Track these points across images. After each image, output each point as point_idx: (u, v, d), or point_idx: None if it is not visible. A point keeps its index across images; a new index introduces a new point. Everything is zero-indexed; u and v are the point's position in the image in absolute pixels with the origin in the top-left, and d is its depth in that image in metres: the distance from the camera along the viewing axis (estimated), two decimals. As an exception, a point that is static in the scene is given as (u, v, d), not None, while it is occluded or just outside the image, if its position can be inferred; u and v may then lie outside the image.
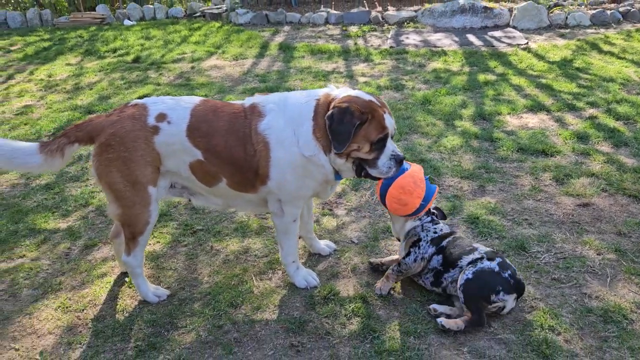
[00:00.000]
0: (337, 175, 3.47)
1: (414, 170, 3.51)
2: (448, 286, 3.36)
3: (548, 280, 3.58)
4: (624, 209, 4.42)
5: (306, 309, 3.46)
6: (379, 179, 3.42)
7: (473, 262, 3.28)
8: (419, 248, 3.49)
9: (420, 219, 3.70)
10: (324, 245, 4.08)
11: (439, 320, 3.09)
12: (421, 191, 3.46)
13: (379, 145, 3.28)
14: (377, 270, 3.77)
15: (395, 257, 3.81)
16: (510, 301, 3.21)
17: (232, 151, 3.27)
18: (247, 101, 3.45)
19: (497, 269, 3.22)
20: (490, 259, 3.29)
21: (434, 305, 3.25)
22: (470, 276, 3.17)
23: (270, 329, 3.31)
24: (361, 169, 3.38)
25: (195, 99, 3.46)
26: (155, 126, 3.25)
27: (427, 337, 3.15)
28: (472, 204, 4.59)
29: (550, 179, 4.96)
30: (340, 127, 3.14)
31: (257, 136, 3.26)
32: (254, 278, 3.82)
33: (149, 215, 3.38)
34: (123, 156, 3.21)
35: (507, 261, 3.34)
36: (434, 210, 3.79)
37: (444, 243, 3.49)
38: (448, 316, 3.20)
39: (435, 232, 3.58)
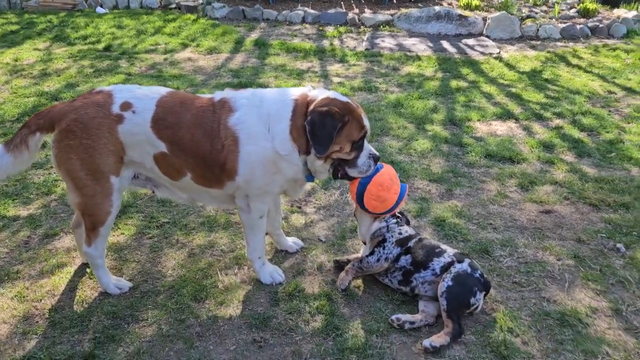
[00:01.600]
0: (309, 176, 3.48)
1: (387, 168, 3.56)
2: (418, 286, 3.39)
3: (509, 284, 3.65)
4: (584, 217, 4.54)
5: (270, 305, 3.45)
6: (354, 179, 3.44)
7: (446, 267, 3.32)
8: (383, 248, 3.52)
9: (386, 221, 3.74)
10: (291, 242, 4.07)
11: (426, 343, 3.04)
12: (397, 187, 3.53)
13: (358, 144, 3.33)
14: (343, 268, 3.78)
15: (361, 255, 3.83)
16: (481, 299, 3.27)
17: (198, 145, 3.23)
18: (217, 95, 3.41)
19: (469, 269, 3.28)
20: (460, 261, 3.34)
21: (396, 316, 3.26)
22: (450, 283, 3.21)
23: (233, 324, 3.29)
24: (337, 170, 3.43)
25: (163, 90, 3.40)
26: (119, 115, 3.18)
27: (389, 336, 3.17)
28: (439, 207, 4.65)
29: (515, 186, 5.06)
30: (323, 131, 3.15)
31: (226, 131, 3.23)
32: (219, 273, 3.79)
33: (111, 206, 3.32)
34: (85, 143, 3.14)
35: (473, 261, 3.42)
36: (399, 215, 3.83)
37: (411, 244, 3.53)
38: (411, 323, 3.22)
39: (400, 233, 3.62)
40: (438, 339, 3.05)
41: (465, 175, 5.26)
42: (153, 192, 3.56)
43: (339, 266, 3.81)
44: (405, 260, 3.46)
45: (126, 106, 3.22)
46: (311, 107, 3.23)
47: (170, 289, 3.61)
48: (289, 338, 3.16)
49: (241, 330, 3.23)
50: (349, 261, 3.78)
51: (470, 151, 5.75)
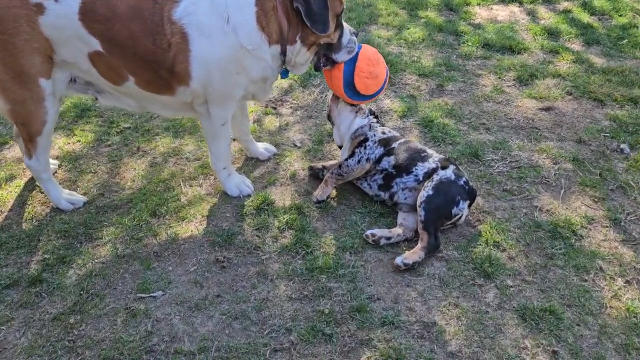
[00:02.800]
0: (284, 72, 3.04)
1: (365, 45, 3.20)
2: (398, 193, 3.07)
3: (499, 192, 3.32)
4: (587, 114, 4.12)
5: (236, 220, 3.15)
6: (337, 65, 3.06)
7: (430, 174, 2.99)
8: (365, 148, 3.16)
9: (368, 117, 3.35)
10: (263, 148, 3.69)
11: (398, 261, 2.77)
12: (383, 60, 3.21)
13: (339, 21, 2.97)
14: (318, 177, 3.44)
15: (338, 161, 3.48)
16: (465, 209, 2.97)
17: (137, 43, 2.73)
18: (159, -19, 2.85)
19: (453, 177, 2.96)
20: (444, 167, 3.01)
21: (371, 231, 2.95)
22: (430, 192, 2.89)
23: (194, 242, 3.01)
24: (319, 60, 3.09)
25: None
26: (39, 4, 2.65)
27: (363, 253, 2.90)
28: (428, 105, 4.21)
29: (513, 79, 4.58)
30: (319, 4, 2.75)
31: (172, 26, 2.72)
32: (182, 184, 3.45)
33: (45, 113, 2.90)
34: (2, 40, 2.64)
35: (459, 167, 3.08)
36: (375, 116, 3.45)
37: (394, 145, 3.17)
38: (388, 239, 2.94)
39: (384, 133, 3.25)
40: (411, 255, 2.78)
41: (459, 68, 4.75)
42: (96, 98, 3.11)
43: (314, 174, 3.47)
44: (387, 162, 3.12)
45: (47, -7, 2.69)
46: None
47: (128, 203, 3.30)
48: (255, 257, 2.90)
49: (203, 249, 2.96)
50: (324, 168, 3.43)
51: (466, 41, 5.18)
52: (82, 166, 3.65)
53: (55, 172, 3.55)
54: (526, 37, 5.31)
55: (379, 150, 3.16)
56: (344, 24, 3.01)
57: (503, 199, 3.26)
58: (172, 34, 2.74)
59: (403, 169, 3.08)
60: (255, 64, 2.88)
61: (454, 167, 3.05)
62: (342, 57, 3.02)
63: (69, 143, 3.90)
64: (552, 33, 5.37)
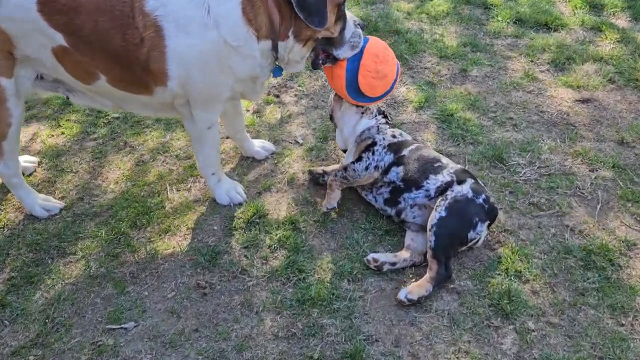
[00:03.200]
0: (277, 70, 2.64)
1: (373, 38, 2.75)
2: (406, 209, 2.68)
3: (525, 205, 2.90)
4: (631, 108, 3.60)
5: (224, 234, 2.82)
6: (338, 62, 2.64)
7: (443, 190, 2.58)
8: (372, 154, 2.75)
9: (375, 118, 2.94)
10: (259, 147, 3.32)
11: (401, 296, 2.40)
12: (393, 56, 2.76)
13: (342, 11, 2.52)
14: (318, 182, 3.07)
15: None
16: (484, 231, 2.57)
17: (105, 37, 2.35)
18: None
19: (470, 194, 2.54)
20: (460, 182, 2.59)
21: (373, 255, 2.58)
22: (443, 213, 2.49)
23: (175, 261, 2.69)
24: (318, 56, 2.65)
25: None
26: None
27: (363, 281, 2.54)
28: (448, 95, 3.74)
29: (548, 63, 4.05)
30: None
31: (145, 18, 2.33)
32: (168, 188, 3.12)
33: (9, 115, 2.59)
34: None
35: (479, 181, 2.66)
36: (385, 114, 3.03)
37: (405, 152, 2.75)
38: (392, 264, 2.56)
39: (394, 136, 2.84)
40: (417, 289, 2.41)
41: (487, 49, 4.23)
42: (67, 97, 2.76)
43: (313, 178, 3.09)
44: (395, 173, 2.71)
45: (-1, -19, 2.31)
46: None
47: (108, 210, 3.00)
48: (240, 282, 2.57)
49: (184, 271, 2.64)
50: (325, 173, 3.05)
51: (496, 15, 4.62)
52: (63, 164, 3.34)
53: (34, 171, 3.26)
54: (564, 11, 4.71)
55: (389, 157, 2.76)
56: (348, 14, 2.57)
57: (529, 215, 2.84)
58: (145, 28, 2.35)
59: (413, 182, 2.68)
60: (242, 62, 2.48)
61: (472, 180, 2.64)
62: (344, 53, 2.59)
63: (52, 135, 3.59)
64: (594, 6, 4.75)
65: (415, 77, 3.96)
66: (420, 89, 3.82)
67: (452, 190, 2.58)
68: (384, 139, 2.83)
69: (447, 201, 2.53)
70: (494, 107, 3.63)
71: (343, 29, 2.53)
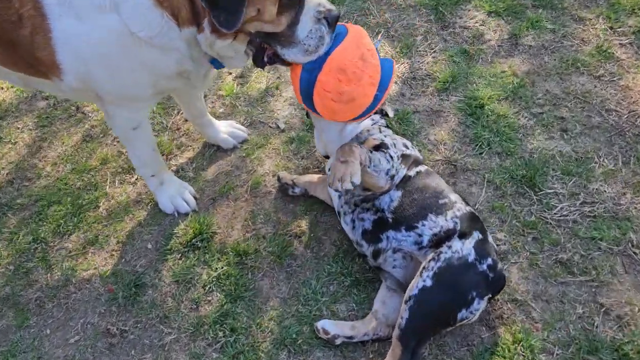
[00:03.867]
0: (216, 62, 1.92)
1: (355, 33, 1.87)
2: (387, 253, 2.01)
3: (549, 262, 2.14)
4: None
5: (157, 257, 2.28)
6: (291, 64, 1.86)
7: (439, 240, 1.90)
8: (391, 158, 2.01)
9: (371, 118, 2.21)
10: (227, 133, 2.66)
11: None
12: (374, 70, 1.85)
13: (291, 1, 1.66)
14: (286, 192, 2.41)
15: (317, 177, 2.40)
16: (482, 307, 1.89)
17: None
18: None
19: (471, 257, 1.84)
20: (463, 235, 1.88)
21: (324, 325, 1.96)
22: (429, 282, 1.82)
23: (91, 289, 2.21)
24: (263, 51, 1.84)
25: None
26: None
27: (308, 355, 1.97)
28: (484, 73, 2.86)
29: (633, 33, 3.00)
30: None
31: None
32: (109, 179, 2.58)
33: None
34: None
35: (488, 237, 1.94)
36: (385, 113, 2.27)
37: (412, 173, 2.04)
38: (349, 338, 1.96)
39: (406, 147, 2.12)
40: None
41: (554, 4, 3.19)
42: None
43: (282, 188, 2.44)
44: (388, 199, 2.02)
45: None
46: None
47: (35, 204, 2.52)
48: (157, 335, 2.06)
49: (97, 306, 2.15)
50: (294, 185, 2.39)
51: (577, -47, 3.47)
52: (3, 130, 2.84)
53: (-32, 138, 2.79)
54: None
55: (403, 171, 2.04)
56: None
57: (552, 279, 2.09)
58: (22, 3, 1.68)
59: (405, 218, 1.98)
60: (162, 58, 1.79)
61: (479, 235, 1.91)
62: (294, 57, 1.81)
63: (2, 88, 3.06)
64: None
65: (448, 41, 3.06)
66: (450, 61, 2.94)
67: (449, 247, 1.88)
68: (394, 144, 2.09)
69: (438, 264, 1.84)
70: (543, 98, 2.73)
71: (294, 24, 1.73)
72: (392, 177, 2.00)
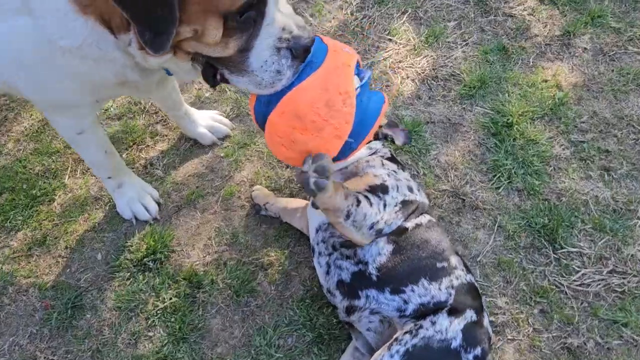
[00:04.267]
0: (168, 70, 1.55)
1: (330, 67, 1.39)
2: (363, 312, 1.67)
3: (553, 348, 1.76)
4: None
5: (104, 273, 2.02)
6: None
7: (423, 313, 1.56)
8: (385, 205, 1.66)
9: (369, 147, 1.85)
10: (207, 127, 2.30)
11: None
12: (342, 120, 1.40)
13: (246, 18, 1.28)
14: (259, 212, 2.08)
15: (295, 202, 2.04)
16: None
17: None
18: None
19: (457, 342, 1.51)
20: (452, 313, 1.54)
21: None
22: None
23: (27, 303, 1.98)
24: (213, 70, 1.44)
25: None
26: None
27: None
28: (521, 80, 2.36)
29: None
30: None
31: None
32: (71, 167, 2.29)
33: None
34: None
35: (484, 319, 1.57)
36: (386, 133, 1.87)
37: (410, 224, 1.67)
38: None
39: (411, 190, 1.73)
40: None
41: (624, -5, 2.60)
42: None
43: (255, 208, 2.10)
44: (376, 252, 1.65)
45: None
46: None
47: (-12, 189, 2.27)
48: (86, 370, 1.83)
49: (29, 325, 1.93)
50: (265, 209, 2.05)
51: None
52: (-30, 95, 2.57)
53: None
54: None
55: (398, 220, 1.66)
56: (279, 19, 1.31)
57: (554, 368, 1.72)
58: None
59: (392, 280, 1.62)
60: (95, 68, 1.43)
61: (473, 315, 1.55)
62: (244, 86, 1.39)
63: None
64: None
65: (486, 32, 2.54)
66: (483, 59, 2.44)
67: (433, 323, 1.54)
68: (398, 186, 1.70)
69: (414, 341, 1.51)
70: (588, 122, 2.23)
71: (247, 50, 1.31)
72: (379, 232, 1.63)
